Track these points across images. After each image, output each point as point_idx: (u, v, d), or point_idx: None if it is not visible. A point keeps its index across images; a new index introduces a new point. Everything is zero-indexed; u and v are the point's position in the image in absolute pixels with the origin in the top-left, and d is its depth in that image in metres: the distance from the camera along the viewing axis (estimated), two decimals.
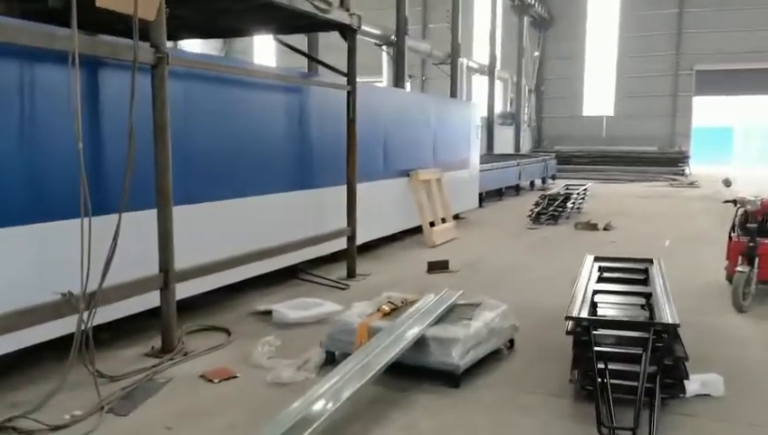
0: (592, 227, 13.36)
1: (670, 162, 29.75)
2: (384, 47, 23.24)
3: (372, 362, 4.68)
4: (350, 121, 8.53)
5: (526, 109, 36.92)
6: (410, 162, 11.36)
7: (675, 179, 26.60)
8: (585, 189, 16.47)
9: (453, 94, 26.53)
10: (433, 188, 11.79)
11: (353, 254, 8.76)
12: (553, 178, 25.18)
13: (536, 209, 14.33)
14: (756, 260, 7.24)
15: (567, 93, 37.53)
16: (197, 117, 6.57)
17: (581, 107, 37.64)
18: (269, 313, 6.91)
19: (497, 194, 18.84)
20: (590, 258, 7.24)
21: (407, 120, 11.25)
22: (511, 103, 35.92)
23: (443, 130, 12.70)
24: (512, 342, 5.97)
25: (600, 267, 7.02)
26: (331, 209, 8.68)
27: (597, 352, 4.61)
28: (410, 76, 38.65)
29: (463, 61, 27.80)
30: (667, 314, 5.02)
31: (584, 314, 5.05)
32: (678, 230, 13.13)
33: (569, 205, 15.13)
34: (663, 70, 34.89)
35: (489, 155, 24.92)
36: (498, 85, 36.69)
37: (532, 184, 22.59)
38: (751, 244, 7.23)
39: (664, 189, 23.38)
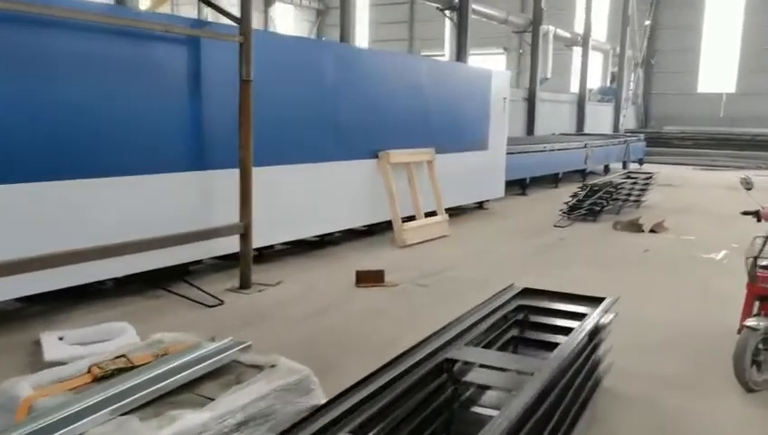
0: (636, 227, 10.41)
1: None
2: (447, 12, 20.57)
3: None
4: (243, 83, 6.35)
5: (631, 84, 32.82)
6: (386, 140, 8.99)
7: None
8: (650, 177, 13.27)
9: (534, 68, 23.48)
10: (415, 173, 9.36)
11: (247, 257, 6.62)
12: (640, 162, 21.59)
13: (571, 201, 11.48)
14: None
15: (680, 68, 32.87)
16: None
17: (696, 83, 32.88)
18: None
19: (553, 181, 15.90)
20: (508, 293, 4.73)
21: (377, 87, 8.86)
22: (612, 78, 31.99)
23: (443, 102, 10.16)
24: None
25: (512, 310, 4.53)
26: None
27: None
28: (505, 49, 35.73)
29: (548, 28, 24.53)
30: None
31: None
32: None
33: (621, 196, 12.12)
34: None
35: (568, 135, 21.80)
36: (598, 58, 32.87)
37: (606, 169, 19.27)
38: None
39: None
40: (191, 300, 6.13)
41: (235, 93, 6.37)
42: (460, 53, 19.35)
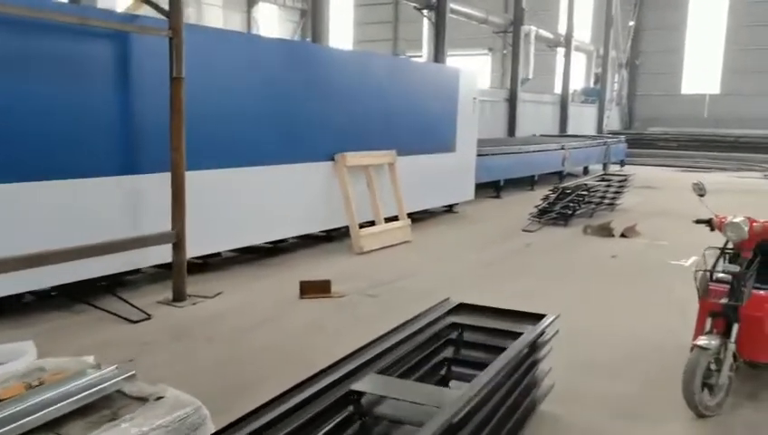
0: (606, 231, 10.02)
1: None
2: (425, 12, 20.17)
3: None
4: (174, 81, 5.91)
5: (615, 85, 32.54)
6: (343, 142, 8.56)
7: None
8: (625, 179, 12.90)
9: (515, 69, 23.09)
10: (375, 177, 8.94)
11: (181, 267, 6.17)
12: (622, 163, 21.25)
13: (542, 205, 11.09)
14: (735, 326, 4.03)
15: (665, 69, 32.67)
16: None
17: (680, 84, 32.64)
18: None
19: (529, 183, 15.50)
20: (441, 309, 4.32)
21: (333, 87, 8.42)
22: (596, 79, 31.69)
23: (406, 103, 9.74)
24: None
25: (445, 328, 4.12)
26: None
27: None
28: (490, 49, 35.36)
29: (530, 29, 24.16)
30: None
31: None
32: None
33: (594, 199, 11.74)
34: None
35: (548, 136, 21.47)
36: (582, 59, 32.59)
37: (585, 171, 18.90)
38: (729, 299, 4.02)
39: (754, 181, 18.97)
40: (115, 315, 5.68)
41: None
42: (438, 54, 18.92)
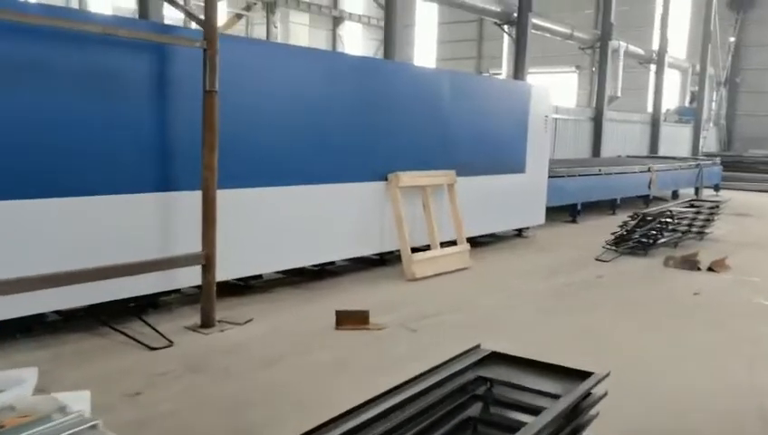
0: (691, 264, 9.01)
1: None
2: (506, 28, 19.49)
3: None
4: (207, 94, 5.56)
5: (713, 104, 30.60)
6: (399, 161, 8.03)
7: None
8: (716, 205, 11.73)
9: (601, 86, 21.98)
10: (432, 198, 8.35)
11: (209, 291, 5.78)
12: (716, 188, 19.69)
13: (619, 232, 10.16)
14: None
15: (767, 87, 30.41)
16: None
17: None
18: None
19: (610, 207, 14.45)
20: (469, 358, 3.70)
21: (387, 102, 7.91)
22: (692, 98, 29.90)
23: (470, 121, 9.11)
24: None
25: (470, 381, 3.51)
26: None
27: None
28: (577, 67, 34.03)
29: (619, 44, 23.01)
30: None
31: None
32: None
33: (680, 227, 10.70)
34: None
35: (626, 157, 20.23)
36: (677, 76, 30.87)
37: (675, 195, 17.56)
38: None
39: None
40: (136, 341, 5.34)
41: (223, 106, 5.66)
42: (518, 70, 18.18)
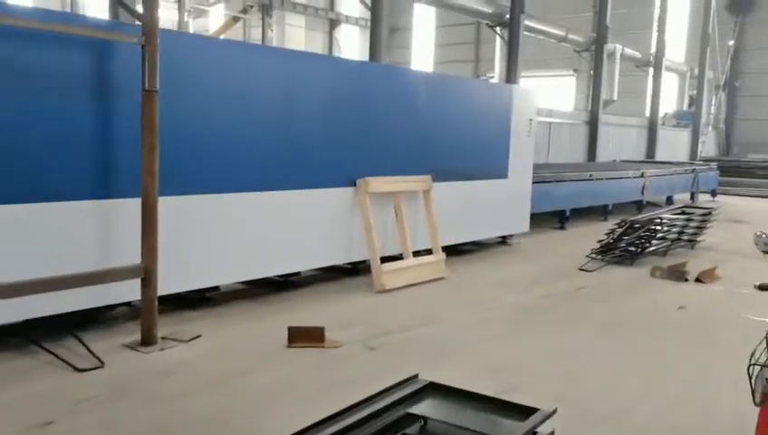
0: (678, 274, 8.53)
1: None
2: (498, 30, 19.03)
3: None
4: (146, 94, 5.11)
5: (712, 108, 30.09)
6: (370, 166, 7.58)
7: None
8: (708, 212, 11.24)
9: (596, 90, 21.49)
10: (406, 204, 7.89)
11: (150, 306, 5.32)
12: (713, 193, 19.20)
13: (605, 240, 9.69)
14: None
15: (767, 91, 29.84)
16: None
17: None
18: None
19: (602, 213, 13.96)
20: (401, 391, 3.25)
21: (357, 104, 7.46)
22: (691, 102, 29.41)
23: (448, 124, 8.64)
24: None
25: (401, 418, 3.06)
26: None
27: None
28: (575, 70, 33.49)
29: (614, 47, 22.52)
30: None
31: None
32: None
33: (670, 235, 10.21)
34: None
35: (619, 162, 19.74)
36: (675, 80, 30.37)
37: (669, 200, 17.06)
38: None
39: None
40: (63, 361, 4.88)
41: (169, 105, 5.24)
42: (510, 74, 17.70)
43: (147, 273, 5.26)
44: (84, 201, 5.23)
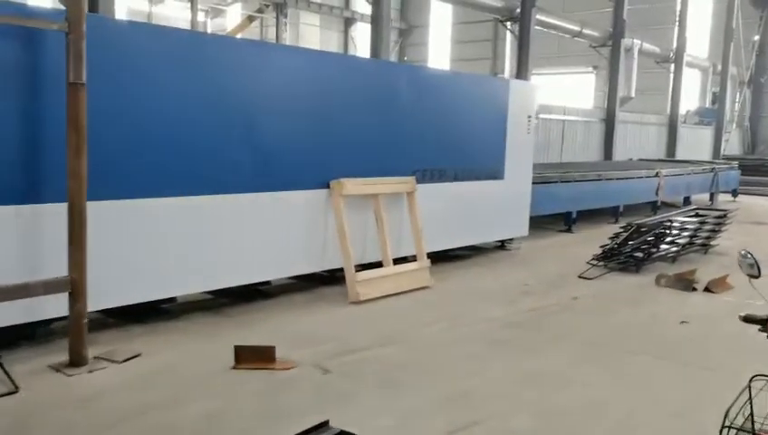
0: (685, 283, 7.77)
1: None
2: (508, 24, 18.27)
3: None
4: (71, 88, 4.54)
5: (736, 105, 28.91)
6: (347, 167, 6.95)
7: None
8: (723, 215, 10.42)
9: (613, 86, 20.57)
10: (387, 208, 7.25)
11: (79, 323, 4.74)
12: (734, 193, 18.22)
13: (609, 245, 8.94)
14: None
15: None
16: None
17: None
18: None
19: (613, 215, 13.15)
20: None
21: (333, 99, 6.85)
22: (714, 99, 28.25)
23: (434, 121, 7.97)
24: None
25: None
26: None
27: None
28: (594, 67, 32.43)
29: (632, 42, 21.61)
30: None
31: None
32: None
33: (681, 239, 9.42)
34: None
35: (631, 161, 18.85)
36: (697, 76, 29.24)
37: (687, 201, 16.15)
38: None
39: None
40: None
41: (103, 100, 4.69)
42: (521, 70, 16.94)
43: (75, 286, 4.69)
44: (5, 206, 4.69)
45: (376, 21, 13.56)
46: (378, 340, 5.62)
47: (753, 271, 2.72)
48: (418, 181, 7.73)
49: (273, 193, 6.40)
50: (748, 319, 2.63)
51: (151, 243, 5.50)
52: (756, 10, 28.51)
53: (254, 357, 4.94)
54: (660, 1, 28.22)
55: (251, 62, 6.17)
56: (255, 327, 5.84)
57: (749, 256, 2.74)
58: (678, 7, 24.88)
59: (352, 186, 6.85)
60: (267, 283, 6.90)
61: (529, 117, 9.32)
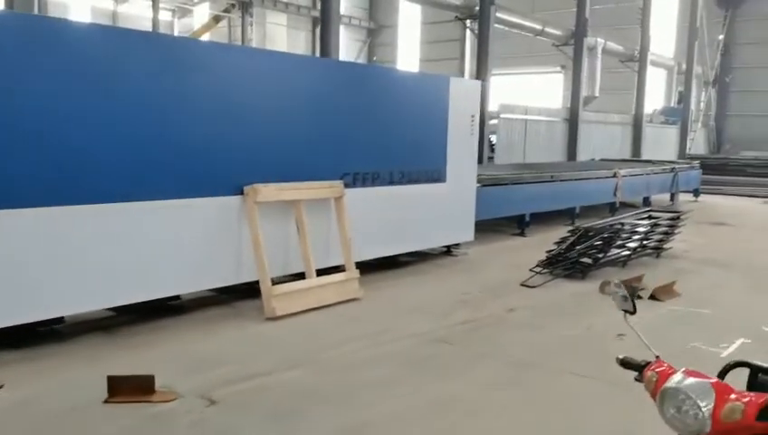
0: (631, 291, 7.24)
1: None
2: (467, 23, 17.79)
3: None
4: None
5: (701, 105, 28.76)
6: (261, 171, 6.36)
7: None
8: (677, 216, 9.97)
9: (576, 85, 20.15)
10: (309, 214, 6.67)
11: None
12: (695, 193, 17.89)
13: (554, 250, 8.43)
14: None
15: (760, 86, 28.39)
16: None
17: None
18: None
19: (569, 217, 12.68)
20: None
21: (250, 99, 6.26)
22: (680, 98, 28.05)
23: (364, 121, 7.41)
24: None
25: None
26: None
27: None
28: (563, 67, 32.09)
29: (596, 41, 21.25)
30: None
31: None
32: None
33: (630, 242, 8.96)
34: None
35: (600, 161, 18.49)
36: (663, 75, 29.04)
37: (646, 201, 15.77)
38: None
39: None
40: None
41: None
42: (480, 70, 16.45)
43: None
44: None
45: (324, 19, 13.05)
46: (284, 362, 5.04)
47: (628, 306, 2.19)
48: (349, 186, 7.17)
49: (178, 200, 5.79)
50: (625, 363, 2.10)
51: (31, 258, 4.88)
52: (721, 10, 28.39)
53: (129, 388, 4.33)
54: (625, 0, 27.98)
55: (159, 55, 5.55)
56: (150, 349, 5.23)
57: (621, 287, 2.21)
58: (641, 5, 24.62)
59: (268, 192, 6.26)
60: (177, 297, 6.28)
61: (472, 117, 8.78)
